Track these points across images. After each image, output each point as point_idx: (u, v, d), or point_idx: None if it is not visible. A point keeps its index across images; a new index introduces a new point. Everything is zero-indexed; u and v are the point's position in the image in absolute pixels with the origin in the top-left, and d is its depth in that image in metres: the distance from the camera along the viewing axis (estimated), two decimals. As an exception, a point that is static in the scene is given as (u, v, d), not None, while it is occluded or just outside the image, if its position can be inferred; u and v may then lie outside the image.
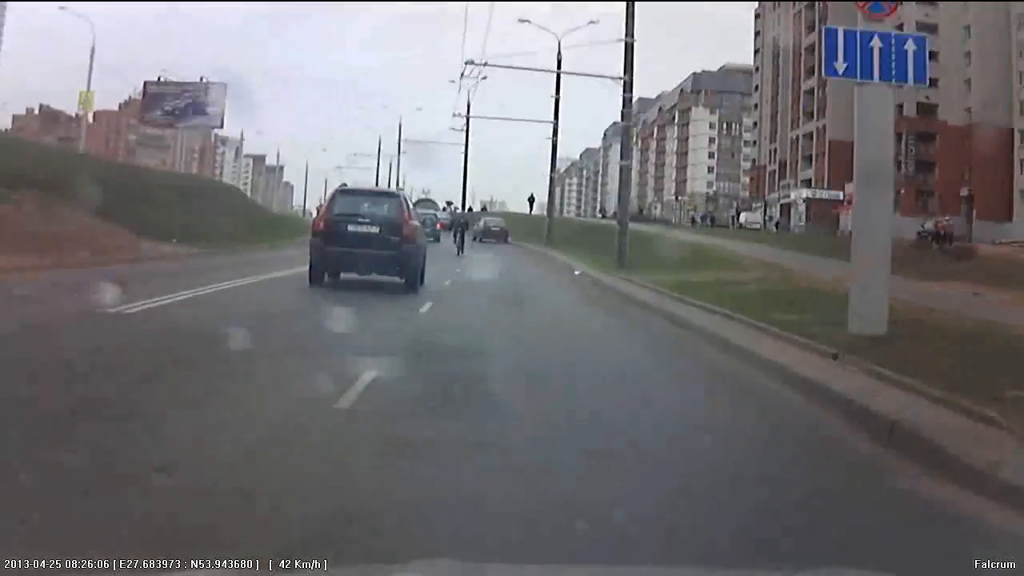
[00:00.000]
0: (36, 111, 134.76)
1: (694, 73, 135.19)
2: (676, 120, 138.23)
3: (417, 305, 16.35)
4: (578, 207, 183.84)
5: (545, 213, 61.57)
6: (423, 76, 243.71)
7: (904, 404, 7.29)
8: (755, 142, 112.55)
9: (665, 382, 10.42)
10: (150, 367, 8.81)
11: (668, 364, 11.99)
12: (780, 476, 6.14)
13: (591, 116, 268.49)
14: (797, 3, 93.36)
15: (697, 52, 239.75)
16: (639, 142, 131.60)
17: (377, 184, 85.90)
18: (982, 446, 5.98)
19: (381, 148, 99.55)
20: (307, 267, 18.48)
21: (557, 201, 61.71)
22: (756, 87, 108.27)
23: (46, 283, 16.50)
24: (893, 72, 11.52)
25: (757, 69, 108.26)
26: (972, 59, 76.15)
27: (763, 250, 33.79)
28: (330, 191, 22.13)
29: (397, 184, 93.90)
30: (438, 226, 49.81)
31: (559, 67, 46.37)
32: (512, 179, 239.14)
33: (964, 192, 74.38)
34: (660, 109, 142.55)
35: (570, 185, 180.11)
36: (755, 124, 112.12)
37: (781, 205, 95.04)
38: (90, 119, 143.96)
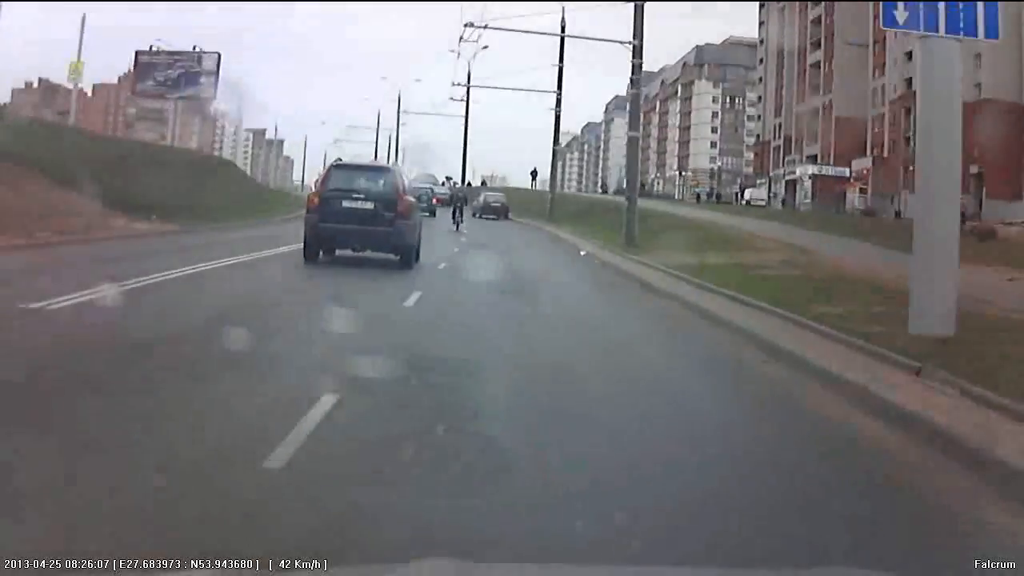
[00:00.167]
0: (36, 84, 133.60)
1: (697, 46, 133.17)
2: (679, 94, 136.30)
3: (403, 295, 13.81)
4: (579, 182, 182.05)
5: (547, 188, 59.88)
6: (423, 49, 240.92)
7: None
8: (759, 117, 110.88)
9: (722, 415, 7.57)
10: (23, 396, 6.46)
11: (719, 387, 9.09)
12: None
13: (592, 90, 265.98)
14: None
15: (701, 25, 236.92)
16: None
17: (376, 158, 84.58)
18: None
19: (380, 121, 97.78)
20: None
21: (558, 176, 59.86)
22: (761, 60, 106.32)
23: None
24: (961, 25, 9.85)
25: (762, 42, 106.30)
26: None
27: (776, 228, 32.24)
28: (328, 165, 21.55)
29: (396, 157, 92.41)
30: (434, 201, 48.94)
31: (563, 31, 44.25)
32: (513, 154, 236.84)
33: (974, 170, 72.56)
34: (662, 83, 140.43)
35: (571, 160, 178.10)
36: (759, 98, 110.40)
37: (786, 182, 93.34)
38: (89, 92, 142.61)
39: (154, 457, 5.20)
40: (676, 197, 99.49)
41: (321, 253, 18.14)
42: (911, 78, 78.24)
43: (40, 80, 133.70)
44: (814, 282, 16.20)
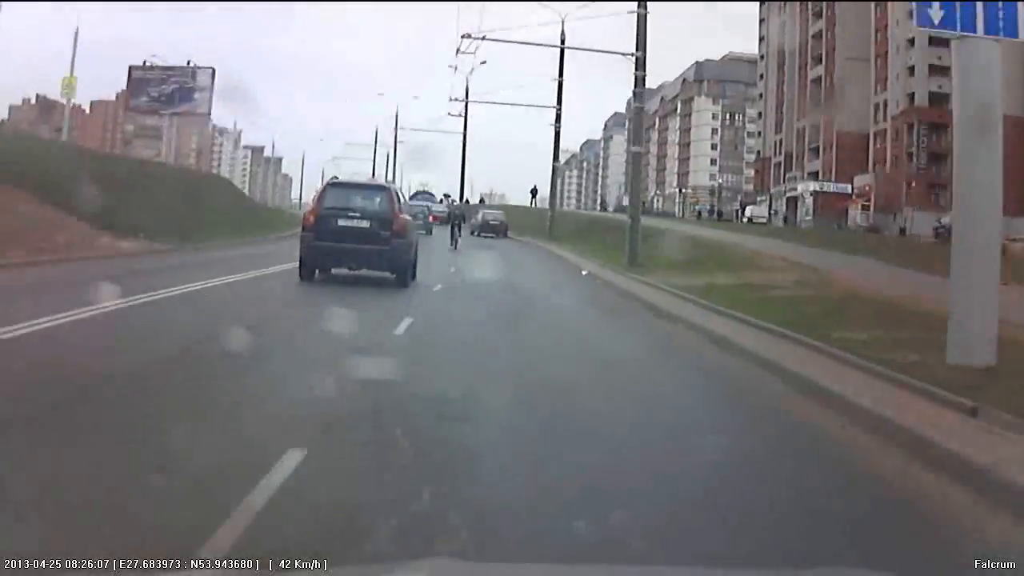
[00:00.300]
0: (34, 101, 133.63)
1: (696, 62, 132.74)
2: (678, 111, 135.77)
3: (394, 321, 12.69)
4: (578, 200, 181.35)
5: (546, 206, 59.07)
6: (421, 67, 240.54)
7: None
8: (759, 133, 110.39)
9: (761, 478, 6.06)
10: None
11: (751, 437, 7.62)
12: None
13: (591, 108, 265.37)
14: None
15: (700, 41, 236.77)
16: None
17: (374, 175, 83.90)
18: None
19: (378, 138, 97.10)
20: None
21: (558, 194, 58.98)
22: (761, 76, 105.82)
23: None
24: (1001, 25, 8.99)
25: (762, 58, 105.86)
26: (986, 47, 73.50)
27: (780, 246, 31.32)
28: (323, 183, 21.44)
29: (393, 176, 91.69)
30: (431, 219, 48.86)
31: (563, 42, 43.35)
32: (512, 171, 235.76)
33: (978, 185, 71.86)
34: (662, 99, 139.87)
35: (570, 178, 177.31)
36: (759, 115, 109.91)
37: (787, 198, 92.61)
38: (87, 109, 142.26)
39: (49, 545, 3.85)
40: (676, 214, 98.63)
41: (317, 271, 18.05)
42: (913, 93, 77.89)
43: (38, 97, 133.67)
44: (828, 303, 15.31)
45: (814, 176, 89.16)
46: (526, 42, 38.31)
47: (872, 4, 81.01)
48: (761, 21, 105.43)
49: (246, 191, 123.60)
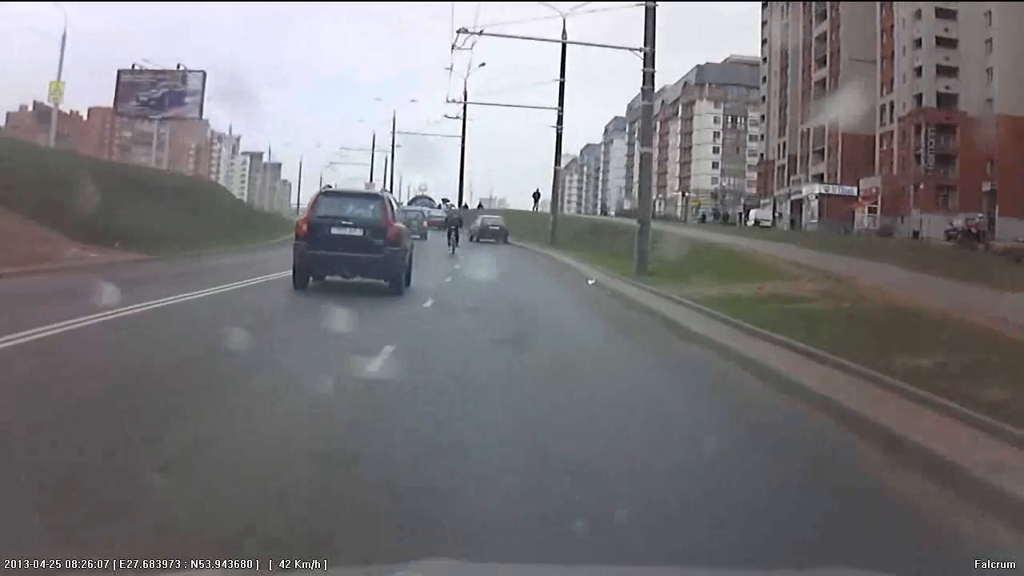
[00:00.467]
0: (31, 108, 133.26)
1: (698, 65, 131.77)
2: (680, 114, 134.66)
3: (372, 349, 10.26)
4: (579, 204, 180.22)
5: (547, 210, 57.51)
6: (419, 70, 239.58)
7: None
8: (762, 136, 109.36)
9: None
10: None
11: (836, 512, 5.51)
12: None
13: (591, 113, 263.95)
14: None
15: (701, 44, 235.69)
16: (641, 137, 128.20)
17: (371, 180, 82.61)
18: None
19: (376, 142, 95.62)
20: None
21: (559, 198, 57.41)
22: (764, 78, 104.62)
23: None
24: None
25: (765, 60, 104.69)
26: (994, 46, 72.27)
27: (793, 251, 29.78)
28: (316, 192, 21.09)
29: (391, 180, 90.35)
30: (425, 224, 48.05)
31: (564, 36, 41.67)
32: (512, 176, 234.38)
33: (986, 187, 70.48)
34: (663, 103, 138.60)
35: (570, 182, 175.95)
36: (762, 117, 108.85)
37: (792, 201, 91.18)
38: (84, 115, 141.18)
39: None
40: (679, 217, 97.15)
41: (311, 279, 17.98)
42: (921, 94, 76.50)
43: (35, 103, 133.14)
44: (867, 319, 13.73)
45: (819, 179, 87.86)
46: (525, 37, 36.34)
47: (877, 4, 79.73)
48: (763, 23, 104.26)
49: (245, 197, 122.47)
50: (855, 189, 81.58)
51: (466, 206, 69.70)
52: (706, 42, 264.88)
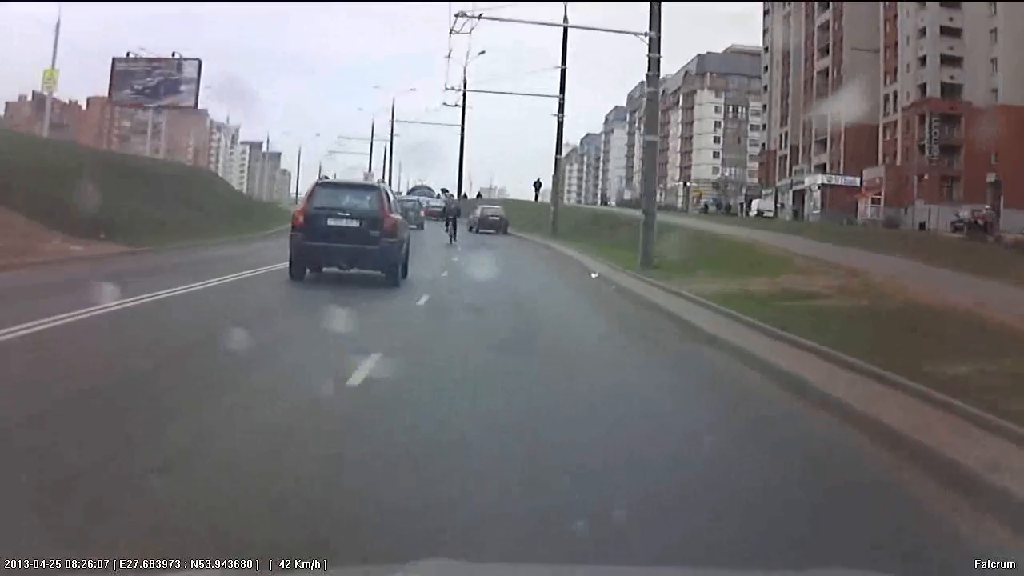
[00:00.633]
0: (30, 97, 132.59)
1: (699, 55, 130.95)
2: (680, 104, 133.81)
3: (355, 360, 8.80)
4: (578, 194, 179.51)
5: (547, 200, 56.78)
6: (419, 58, 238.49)
7: None
8: (763, 126, 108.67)
9: None
10: None
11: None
12: None
13: (591, 102, 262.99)
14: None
15: (702, 34, 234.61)
16: (641, 127, 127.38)
17: (370, 169, 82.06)
18: None
19: (375, 131, 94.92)
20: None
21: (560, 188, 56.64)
22: (765, 68, 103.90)
23: None
24: None
25: (766, 49, 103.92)
26: (999, 36, 71.46)
27: (800, 243, 29.14)
28: (313, 182, 20.84)
29: (389, 169, 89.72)
30: (423, 214, 47.80)
31: (565, 20, 40.88)
32: (512, 166, 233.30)
33: (991, 178, 69.78)
34: (663, 92, 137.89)
35: (570, 172, 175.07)
36: (764, 107, 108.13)
37: (794, 191, 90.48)
38: (83, 105, 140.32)
39: None
40: (680, 207, 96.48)
41: (307, 270, 18.08)
42: (925, 84, 75.68)
43: (33, 94, 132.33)
44: (893, 318, 13.00)
45: (821, 169, 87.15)
46: (526, 20, 35.52)
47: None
48: (765, 13, 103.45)
49: (244, 187, 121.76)
50: (858, 179, 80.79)
51: (465, 196, 69.02)
52: (707, 31, 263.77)
